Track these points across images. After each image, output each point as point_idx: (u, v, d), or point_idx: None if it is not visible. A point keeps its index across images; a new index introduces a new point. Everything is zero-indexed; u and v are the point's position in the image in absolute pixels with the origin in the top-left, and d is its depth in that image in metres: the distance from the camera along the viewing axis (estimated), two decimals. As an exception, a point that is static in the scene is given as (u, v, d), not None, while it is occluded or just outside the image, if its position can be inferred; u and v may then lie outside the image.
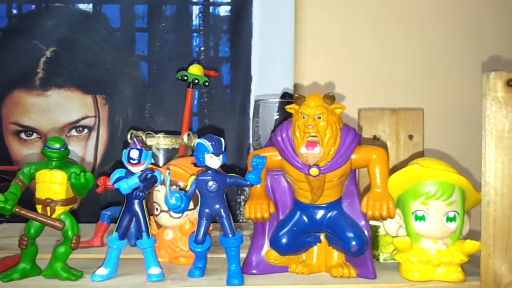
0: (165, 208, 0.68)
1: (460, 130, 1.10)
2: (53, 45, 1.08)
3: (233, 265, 0.59)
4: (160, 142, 0.83)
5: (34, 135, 1.08)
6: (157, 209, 0.70)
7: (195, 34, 1.11)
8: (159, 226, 0.71)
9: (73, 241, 0.60)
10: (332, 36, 1.12)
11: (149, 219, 0.61)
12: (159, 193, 0.68)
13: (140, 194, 0.59)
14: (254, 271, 0.63)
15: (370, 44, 1.13)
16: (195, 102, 1.09)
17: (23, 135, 1.08)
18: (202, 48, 1.11)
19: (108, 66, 1.10)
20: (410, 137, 1.00)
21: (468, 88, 1.09)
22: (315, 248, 0.65)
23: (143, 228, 0.61)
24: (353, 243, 0.60)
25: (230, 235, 0.60)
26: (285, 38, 1.10)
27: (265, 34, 1.10)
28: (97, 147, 1.11)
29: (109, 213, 0.78)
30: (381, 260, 0.69)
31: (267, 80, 1.10)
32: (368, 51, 1.13)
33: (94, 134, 1.10)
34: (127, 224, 0.61)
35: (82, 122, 1.11)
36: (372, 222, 0.69)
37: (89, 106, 1.11)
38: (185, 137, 0.80)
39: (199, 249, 0.60)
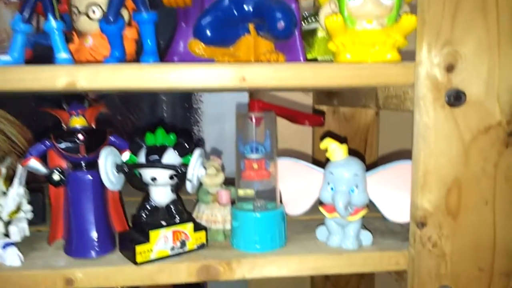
0: (83, 9, 0.62)
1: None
2: None
3: (148, 41, 0.54)
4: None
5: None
6: (75, 13, 0.63)
7: None
8: (79, 34, 0.65)
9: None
10: None
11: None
12: (76, -7, 0.62)
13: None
14: (175, 58, 0.58)
15: None
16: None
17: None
18: None
19: None
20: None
21: None
22: (243, 39, 0.60)
23: (49, 9, 0.55)
24: (281, 21, 0.55)
25: (143, 11, 0.54)
26: None
27: None
28: None
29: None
30: (319, 64, 0.65)
31: None
32: None
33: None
34: (32, 6, 0.55)
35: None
36: (309, 26, 0.64)
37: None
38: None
39: (110, 28, 0.55)
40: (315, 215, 0.70)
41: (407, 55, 0.57)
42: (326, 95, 0.93)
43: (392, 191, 0.61)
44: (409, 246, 0.59)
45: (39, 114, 0.98)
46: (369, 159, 0.96)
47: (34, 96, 0.96)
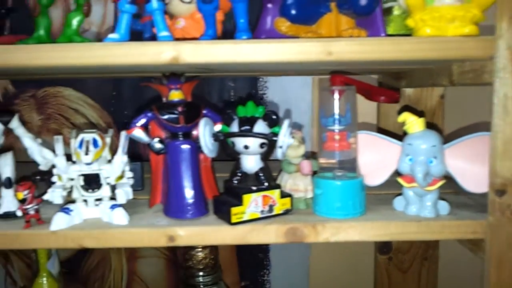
0: (176, -7, 0.68)
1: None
2: None
3: (241, 20, 0.59)
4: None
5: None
6: (168, -4, 0.69)
7: None
8: (171, 16, 0.71)
9: (85, 6, 0.61)
10: None
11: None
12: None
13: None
14: (263, 36, 0.63)
15: None
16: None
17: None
18: None
19: None
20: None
21: None
22: (325, 17, 0.64)
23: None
24: (363, -2, 0.59)
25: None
26: None
27: None
28: None
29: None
30: (395, 41, 0.68)
31: None
32: None
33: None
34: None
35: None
36: (385, 5, 0.67)
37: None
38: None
39: (207, 8, 0.60)
40: (391, 190, 0.73)
41: (482, 29, 0.59)
42: (393, 76, 0.96)
43: (470, 162, 0.63)
44: (488, 214, 0.61)
45: (118, 99, 1.04)
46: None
47: (114, 80, 1.03)
